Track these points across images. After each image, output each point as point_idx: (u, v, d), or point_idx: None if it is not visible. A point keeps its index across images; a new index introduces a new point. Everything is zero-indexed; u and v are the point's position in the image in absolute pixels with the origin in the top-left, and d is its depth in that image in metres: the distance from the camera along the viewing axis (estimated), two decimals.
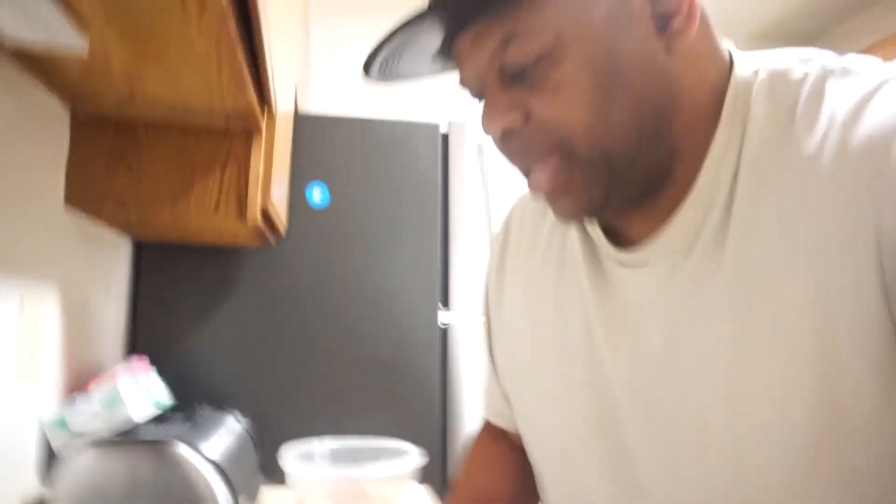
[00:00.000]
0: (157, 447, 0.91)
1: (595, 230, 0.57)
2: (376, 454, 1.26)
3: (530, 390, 0.62)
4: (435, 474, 1.44)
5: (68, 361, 1.05)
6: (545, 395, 0.60)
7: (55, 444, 0.95)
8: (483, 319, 0.73)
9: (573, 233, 0.59)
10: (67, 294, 1.04)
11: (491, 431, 0.76)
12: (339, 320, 1.44)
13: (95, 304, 1.20)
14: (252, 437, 1.30)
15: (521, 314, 0.64)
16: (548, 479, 0.62)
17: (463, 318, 1.49)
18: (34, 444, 0.94)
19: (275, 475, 1.11)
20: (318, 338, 1.43)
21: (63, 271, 1.03)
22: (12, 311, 0.87)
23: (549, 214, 0.63)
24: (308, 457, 1.24)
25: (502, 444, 0.74)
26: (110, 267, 1.29)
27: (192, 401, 1.23)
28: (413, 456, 1.17)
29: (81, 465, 0.90)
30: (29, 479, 0.92)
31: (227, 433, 1.16)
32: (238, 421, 1.29)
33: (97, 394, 0.97)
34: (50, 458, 0.95)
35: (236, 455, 1.11)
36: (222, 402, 1.32)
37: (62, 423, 0.95)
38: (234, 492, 0.92)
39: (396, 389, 1.44)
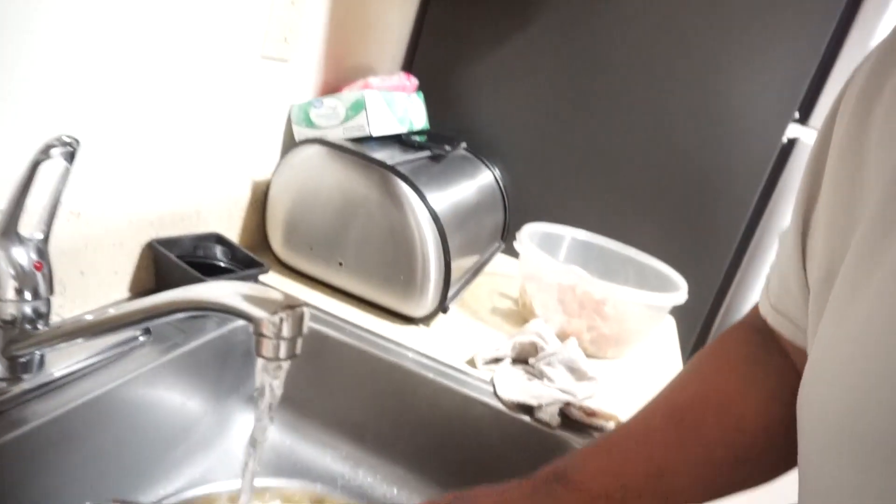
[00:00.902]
0: (381, 172, 0.78)
1: None
2: (630, 269, 1.02)
3: (850, 299, 0.29)
4: (695, 315, 1.16)
5: (330, 56, 0.94)
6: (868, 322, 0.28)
7: (295, 135, 0.88)
8: (815, 146, 0.39)
9: None
10: None
11: (758, 327, 0.47)
12: (650, 106, 1.11)
13: (373, 8, 1.05)
14: (504, 197, 1.15)
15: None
16: (811, 460, 0.32)
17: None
18: (281, 130, 0.88)
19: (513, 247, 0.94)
20: (615, 118, 1.13)
21: None
22: None
23: None
24: (554, 242, 1.05)
25: (772, 353, 0.46)
26: None
27: (451, 138, 1.09)
28: (676, 290, 0.91)
29: (301, 159, 0.82)
30: (270, 162, 0.88)
31: (471, 185, 1.01)
32: (493, 176, 1.13)
33: (345, 95, 0.86)
34: (287, 146, 0.89)
35: (471, 212, 0.97)
36: (484, 151, 1.16)
37: (305, 115, 0.87)
38: (446, 248, 0.78)
39: (689, 203, 1.12)
